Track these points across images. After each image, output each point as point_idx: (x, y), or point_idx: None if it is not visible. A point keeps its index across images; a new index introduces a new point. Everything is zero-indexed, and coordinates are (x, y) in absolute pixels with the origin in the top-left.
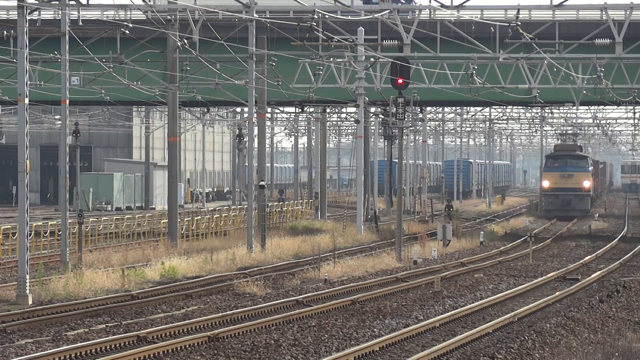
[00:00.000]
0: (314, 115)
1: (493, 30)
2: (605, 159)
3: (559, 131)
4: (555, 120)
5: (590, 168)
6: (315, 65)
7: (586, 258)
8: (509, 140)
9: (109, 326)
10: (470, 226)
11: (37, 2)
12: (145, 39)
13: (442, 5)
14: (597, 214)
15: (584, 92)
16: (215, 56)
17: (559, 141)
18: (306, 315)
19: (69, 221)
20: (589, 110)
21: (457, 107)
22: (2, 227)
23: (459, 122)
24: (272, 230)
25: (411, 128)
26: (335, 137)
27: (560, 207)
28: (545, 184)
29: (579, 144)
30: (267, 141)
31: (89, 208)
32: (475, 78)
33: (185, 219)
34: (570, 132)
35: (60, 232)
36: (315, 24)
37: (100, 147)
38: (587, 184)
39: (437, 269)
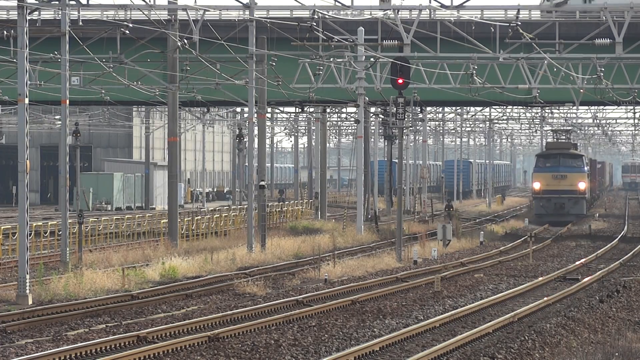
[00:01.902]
0: (314, 115)
1: (493, 30)
2: (605, 159)
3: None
4: (555, 120)
5: (586, 168)
6: (315, 65)
7: (582, 260)
8: (509, 140)
9: (109, 326)
10: (470, 226)
11: (37, 2)
12: (145, 39)
13: (442, 6)
14: (597, 214)
15: (582, 91)
16: (215, 56)
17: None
18: (306, 315)
19: (69, 221)
20: (589, 110)
21: (457, 107)
22: (2, 227)
23: (459, 122)
24: (272, 230)
25: (411, 128)
26: (335, 137)
27: (553, 211)
28: (536, 185)
29: (573, 142)
30: (267, 141)
31: (89, 208)
32: (475, 78)
33: (185, 219)
34: (565, 128)
35: (60, 232)
36: (315, 24)
37: (100, 147)
38: (582, 185)
39: (437, 269)
